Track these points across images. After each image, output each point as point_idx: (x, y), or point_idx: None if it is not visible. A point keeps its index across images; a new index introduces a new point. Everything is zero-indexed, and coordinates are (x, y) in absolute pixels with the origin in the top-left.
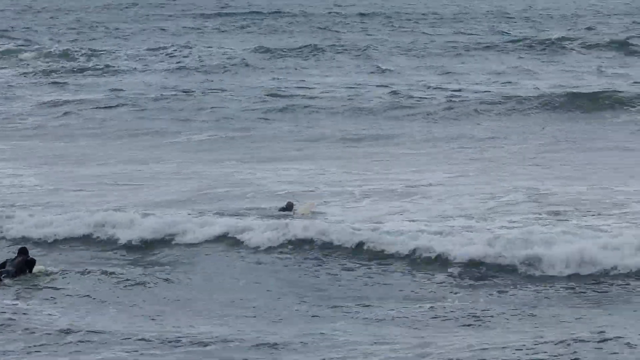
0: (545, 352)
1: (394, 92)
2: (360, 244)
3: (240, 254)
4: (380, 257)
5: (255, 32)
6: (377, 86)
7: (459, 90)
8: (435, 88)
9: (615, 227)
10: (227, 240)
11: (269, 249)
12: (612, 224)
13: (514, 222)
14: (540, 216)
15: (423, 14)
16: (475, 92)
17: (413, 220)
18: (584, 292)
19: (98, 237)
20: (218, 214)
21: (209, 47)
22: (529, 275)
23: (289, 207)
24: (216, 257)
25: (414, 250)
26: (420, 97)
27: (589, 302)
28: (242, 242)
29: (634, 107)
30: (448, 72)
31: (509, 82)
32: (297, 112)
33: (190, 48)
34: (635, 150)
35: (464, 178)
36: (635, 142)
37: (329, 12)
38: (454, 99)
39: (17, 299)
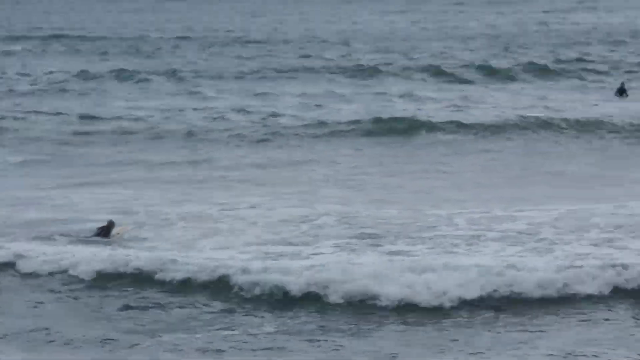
0: None
1: (209, 116)
2: (154, 271)
3: (35, 280)
4: (175, 284)
5: (67, 55)
6: (192, 110)
7: (273, 114)
8: (248, 112)
9: (424, 251)
10: (20, 267)
11: (63, 275)
12: (421, 248)
13: (324, 246)
14: (351, 240)
15: (237, 37)
16: (288, 116)
17: (225, 247)
18: (380, 320)
19: None
20: (26, 240)
21: (20, 70)
22: (321, 303)
23: (110, 225)
24: (8, 284)
25: (214, 277)
26: (234, 120)
27: (381, 331)
28: (35, 269)
29: (444, 130)
30: (261, 95)
31: (321, 106)
32: (111, 136)
33: None
34: (447, 173)
35: (278, 201)
36: (446, 165)
37: (146, 36)
38: (267, 123)
39: None
